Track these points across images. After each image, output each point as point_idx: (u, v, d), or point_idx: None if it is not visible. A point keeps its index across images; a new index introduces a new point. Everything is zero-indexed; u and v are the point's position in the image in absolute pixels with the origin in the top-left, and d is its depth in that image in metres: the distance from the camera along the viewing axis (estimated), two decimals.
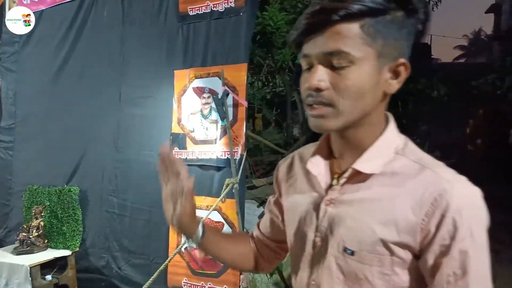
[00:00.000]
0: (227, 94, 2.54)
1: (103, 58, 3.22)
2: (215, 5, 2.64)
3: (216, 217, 2.60)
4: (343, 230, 0.70)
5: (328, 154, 0.77)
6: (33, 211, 3.26)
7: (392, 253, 0.66)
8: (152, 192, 2.91)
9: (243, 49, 2.55)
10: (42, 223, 3.23)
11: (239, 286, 2.57)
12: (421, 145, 5.68)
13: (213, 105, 2.63)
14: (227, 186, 2.40)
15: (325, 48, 0.62)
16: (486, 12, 18.99)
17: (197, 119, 2.74)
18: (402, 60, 0.66)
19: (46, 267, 3.10)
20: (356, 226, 0.68)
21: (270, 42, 5.54)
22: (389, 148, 0.70)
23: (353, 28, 0.61)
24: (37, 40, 3.60)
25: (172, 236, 2.78)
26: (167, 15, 2.89)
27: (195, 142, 2.74)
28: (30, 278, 2.92)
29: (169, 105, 2.85)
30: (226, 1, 2.59)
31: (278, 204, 0.91)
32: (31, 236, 3.17)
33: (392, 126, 0.72)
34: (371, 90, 0.65)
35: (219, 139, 2.63)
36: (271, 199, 0.95)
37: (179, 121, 2.81)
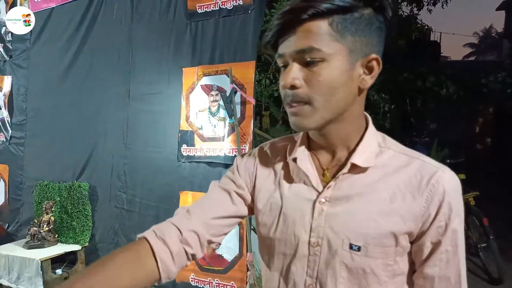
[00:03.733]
0: (235, 92, 2.55)
1: (112, 55, 3.25)
2: (223, 3, 2.65)
3: None
4: (346, 227, 0.69)
5: (309, 150, 0.77)
6: (44, 206, 3.31)
7: (397, 243, 0.68)
8: (159, 188, 2.94)
9: (251, 47, 2.56)
10: (52, 218, 3.28)
11: (246, 283, 2.58)
12: (429, 143, 5.64)
13: (221, 102, 2.65)
14: None
15: (297, 46, 0.64)
16: (497, 9, 18.71)
17: (205, 116, 2.76)
18: (373, 56, 0.67)
19: (56, 261, 3.16)
20: (358, 220, 0.69)
21: None
22: (374, 142, 0.73)
23: (322, 25, 0.63)
24: (48, 37, 3.64)
25: None
26: (175, 12, 2.90)
27: (203, 139, 2.76)
28: (41, 272, 2.98)
29: (177, 102, 2.87)
30: None
31: (240, 197, 0.81)
32: (42, 231, 3.23)
33: (371, 122, 0.75)
34: (344, 85, 0.66)
35: (227, 137, 2.65)
36: (225, 187, 0.82)
37: (187, 118, 2.83)
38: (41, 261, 2.98)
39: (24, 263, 3.05)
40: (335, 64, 0.64)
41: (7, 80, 3.91)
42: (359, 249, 0.68)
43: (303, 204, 0.73)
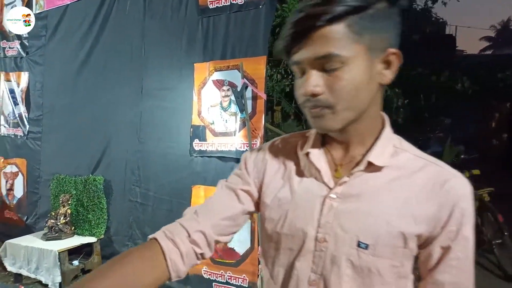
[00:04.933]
0: (246, 87, 2.56)
1: (125, 51, 3.30)
2: None
3: None
4: (355, 224, 0.68)
5: (323, 145, 0.76)
6: (61, 199, 3.40)
7: (406, 245, 0.68)
8: (172, 182, 2.99)
9: (262, 42, 2.57)
10: (69, 211, 3.37)
11: (258, 276, 2.61)
12: (443, 139, 5.57)
13: (233, 97, 2.67)
14: None
15: (315, 53, 0.63)
16: None
17: (216, 111, 2.78)
18: (392, 50, 0.66)
19: (73, 253, 3.24)
20: (369, 219, 0.68)
21: None
22: (391, 143, 0.73)
23: (339, 29, 0.62)
24: (63, 33, 3.71)
25: None
26: (187, 8, 2.93)
27: (215, 134, 2.78)
28: (59, 263, 3.07)
29: (189, 98, 2.90)
30: None
31: (247, 194, 0.81)
32: (59, 223, 3.31)
33: (388, 122, 0.75)
34: (366, 85, 0.65)
35: (238, 131, 2.67)
36: (232, 186, 0.81)
37: (199, 113, 2.86)
38: (59, 253, 3.07)
39: (42, 254, 3.14)
40: (355, 65, 0.63)
41: (24, 76, 4.01)
42: (367, 247, 0.67)
43: (313, 200, 0.72)
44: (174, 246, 0.73)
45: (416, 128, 6.92)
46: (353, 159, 0.72)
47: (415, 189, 0.68)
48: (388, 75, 0.68)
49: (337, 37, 0.62)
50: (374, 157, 0.70)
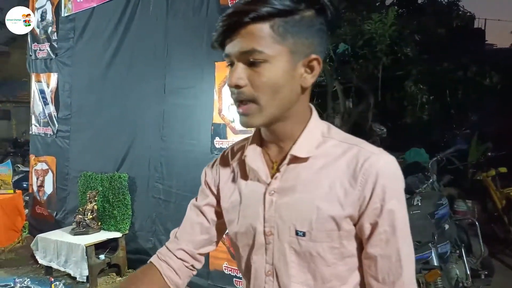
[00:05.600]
0: None
1: (149, 50, 3.38)
2: None
3: None
4: (292, 214, 0.74)
5: (260, 146, 0.81)
6: (88, 195, 3.52)
7: (339, 228, 0.72)
8: (194, 179, 3.03)
9: None
10: (95, 207, 3.48)
11: None
12: (470, 135, 5.39)
13: None
14: None
15: (241, 48, 0.68)
16: None
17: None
18: (314, 56, 0.70)
19: (99, 247, 3.36)
20: (303, 207, 0.73)
21: None
22: (316, 133, 0.77)
23: (264, 28, 0.66)
24: (90, 35, 3.84)
25: None
26: (208, 7, 2.96)
27: (235, 132, 2.81)
28: (86, 257, 3.18)
29: (210, 96, 2.94)
30: None
31: (210, 207, 0.91)
32: (86, 219, 3.44)
33: (315, 114, 0.79)
34: (286, 85, 0.70)
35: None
36: (197, 204, 0.93)
37: (219, 111, 2.90)
38: (86, 247, 3.18)
39: (71, 248, 3.27)
40: (277, 65, 0.68)
41: (54, 77, 4.17)
42: (304, 234, 0.73)
43: (258, 198, 0.78)
44: (167, 264, 0.89)
45: (442, 125, 6.73)
46: (285, 155, 0.77)
47: (339, 174, 0.72)
48: (309, 79, 0.72)
49: (261, 35, 0.67)
50: (296, 150, 0.75)
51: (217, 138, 2.89)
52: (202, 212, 0.92)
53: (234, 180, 0.85)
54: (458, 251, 2.73)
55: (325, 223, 0.72)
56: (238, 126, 2.80)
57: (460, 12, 7.73)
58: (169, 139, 3.25)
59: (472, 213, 3.82)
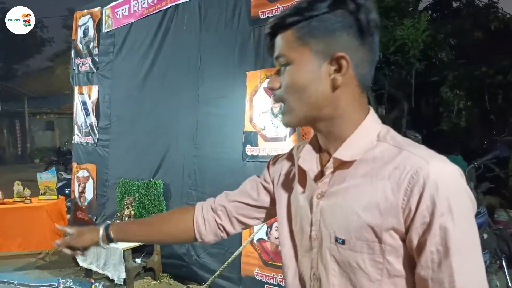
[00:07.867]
0: None
1: (183, 62, 3.51)
2: (284, 7, 2.74)
3: None
4: (333, 220, 0.72)
5: (318, 149, 0.81)
6: (125, 201, 3.68)
7: (380, 240, 0.66)
8: (226, 186, 3.07)
9: None
10: (132, 212, 3.63)
11: None
12: (511, 142, 5.14)
13: None
14: None
15: (275, 54, 0.75)
16: None
17: (267, 117, 2.86)
18: (339, 54, 0.68)
19: (136, 251, 3.48)
20: (343, 214, 0.70)
21: None
22: (369, 136, 0.72)
23: (287, 34, 0.72)
24: (128, 49, 4.05)
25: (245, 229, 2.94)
26: (240, 19, 3.06)
27: (266, 139, 2.86)
28: (124, 260, 3.31)
29: (242, 105, 3.02)
30: (296, 3, 2.66)
31: (266, 191, 0.94)
32: None
33: (371, 116, 0.75)
34: (311, 84, 0.71)
35: (289, 137, 2.72)
36: (257, 180, 0.97)
37: (251, 119, 2.96)
38: (124, 251, 3.32)
39: (109, 252, 3.41)
40: (300, 66, 0.71)
41: (95, 89, 4.42)
42: (343, 242, 0.70)
43: (308, 199, 0.78)
44: (202, 211, 0.98)
45: (480, 131, 6.46)
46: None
47: (384, 180, 0.67)
48: (338, 78, 0.70)
49: (285, 40, 0.73)
50: (340, 153, 0.72)
51: (248, 146, 2.95)
52: (257, 188, 0.95)
53: (293, 179, 0.85)
54: (498, 262, 2.63)
55: (364, 232, 0.67)
56: (268, 133, 2.85)
57: (499, 14, 7.43)
58: (202, 147, 3.35)
59: None
